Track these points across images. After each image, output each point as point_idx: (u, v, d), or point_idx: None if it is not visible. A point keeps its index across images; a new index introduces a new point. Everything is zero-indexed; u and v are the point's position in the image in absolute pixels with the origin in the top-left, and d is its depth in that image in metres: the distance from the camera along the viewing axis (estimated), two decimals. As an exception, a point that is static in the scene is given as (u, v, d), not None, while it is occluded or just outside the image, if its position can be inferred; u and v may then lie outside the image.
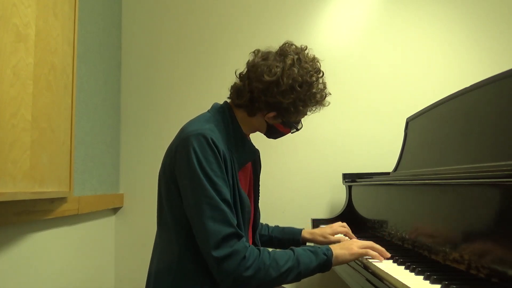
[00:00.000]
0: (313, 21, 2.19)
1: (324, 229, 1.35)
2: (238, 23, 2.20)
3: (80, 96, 1.59)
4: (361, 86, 2.16)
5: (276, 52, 1.08)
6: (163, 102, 2.16)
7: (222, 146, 0.98)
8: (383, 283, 0.89)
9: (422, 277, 0.83)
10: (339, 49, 2.18)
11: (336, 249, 1.01)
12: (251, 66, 1.10)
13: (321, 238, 1.33)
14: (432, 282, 0.79)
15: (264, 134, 1.18)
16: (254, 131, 1.17)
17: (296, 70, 1.01)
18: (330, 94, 1.11)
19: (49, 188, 1.21)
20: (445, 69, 2.16)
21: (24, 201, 1.14)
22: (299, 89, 1.01)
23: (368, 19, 2.20)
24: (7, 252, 1.14)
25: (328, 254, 0.99)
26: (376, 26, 2.19)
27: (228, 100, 1.14)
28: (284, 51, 1.06)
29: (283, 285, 1.18)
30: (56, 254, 1.42)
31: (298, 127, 1.15)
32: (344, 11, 2.20)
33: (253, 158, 1.17)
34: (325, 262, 0.98)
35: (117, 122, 2.11)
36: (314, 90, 1.04)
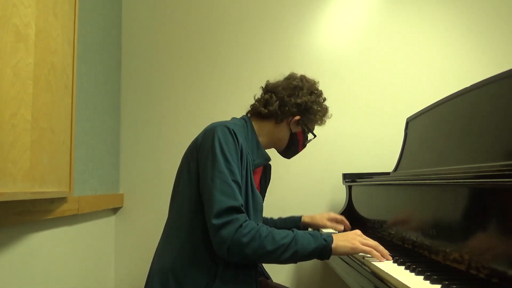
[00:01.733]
0: (313, 22, 2.19)
1: (323, 215, 1.52)
2: (238, 23, 2.20)
3: (80, 96, 1.58)
4: (361, 86, 2.16)
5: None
6: (163, 102, 2.16)
7: (242, 140, 1.08)
8: (383, 283, 0.89)
9: (422, 277, 0.83)
10: (339, 49, 2.18)
11: (338, 239, 1.01)
12: (270, 86, 1.30)
13: (319, 220, 1.49)
14: (432, 282, 0.79)
15: (283, 150, 1.31)
16: (271, 146, 1.30)
17: (307, 82, 1.29)
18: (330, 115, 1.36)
19: (49, 188, 1.21)
20: (445, 69, 2.16)
21: (24, 201, 1.14)
22: (316, 91, 1.28)
23: (368, 19, 2.20)
24: (7, 252, 1.14)
25: (328, 240, 0.99)
26: (376, 26, 2.19)
27: (248, 115, 1.30)
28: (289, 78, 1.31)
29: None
30: (56, 254, 1.42)
31: (310, 138, 1.33)
32: (344, 12, 2.20)
33: (265, 163, 1.24)
34: (324, 248, 0.98)
35: (117, 122, 2.11)
36: (322, 97, 1.31)
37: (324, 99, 1.32)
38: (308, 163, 2.11)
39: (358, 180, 1.80)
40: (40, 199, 1.22)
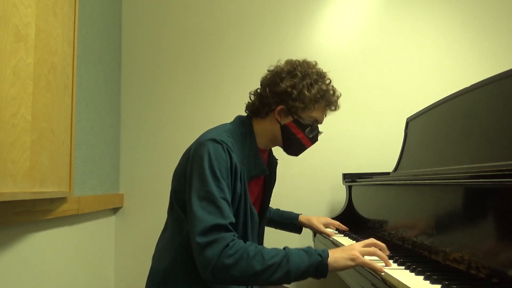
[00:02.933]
0: (313, 22, 2.19)
1: (319, 218, 1.48)
2: (239, 23, 2.20)
3: (80, 96, 1.59)
4: (361, 86, 2.16)
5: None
6: (163, 102, 2.16)
7: (235, 156, 1.01)
8: (383, 283, 0.89)
9: (422, 277, 0.83)
10: (340, 49, 2.18)
11: (334, 252, 0.92)
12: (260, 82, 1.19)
13: (315, 222, 1.46)
14: (432, 282, 0.79)
15: (284, 146, 1.18)
16: (272, 144, 1.19)
17: (294, 63, 1.14)
18: (340, 94, 1.18)
19: (49, 188, 1.21)
20: (445, 69, 2.16)
21: (24, 201, 1.14)
22: (300, 73, 1.10)
23: (368, 19, 2.20)
24: (7, 252, 1.14)
25: (324, 256, 0.90)
26: (376, 26, 2.19)
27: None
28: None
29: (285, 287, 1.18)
30: (56, 254, 1.42)
31: (313, 131, 1.15)
32: (345, 12, 2.20)
33: (262, 175, 1.16)
34: (319, 264, 0.89)
35: (117, 122, 2.11)
36: (313, 78, 1.11)
37: (317, 80, 1.12)
38: (308, 163, 2.11)
39: (358, 180, 1.80)
40: (40, 199, 1.22)
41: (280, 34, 2.18)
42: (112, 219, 2.07)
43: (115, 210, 2.10)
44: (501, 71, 1.06)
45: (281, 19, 2.19)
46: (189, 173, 1.00)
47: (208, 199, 0.93)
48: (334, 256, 0.91)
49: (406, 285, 0.77)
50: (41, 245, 1.32)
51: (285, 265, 0.88)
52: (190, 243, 0.99)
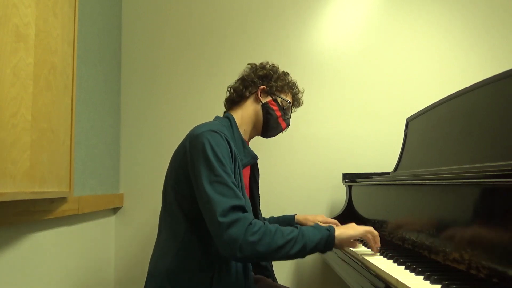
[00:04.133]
0: (313, 22, 2.19)
1: (316, 216, 1.51)
2: (239, 23, 2.20)
3: (80, 96, 1.59)
4: (361, 86, 2.16)
5: None
6: (163, 102, 2.16)
7: (232, 144, 1.07)
8: (383, 282, 0.89)
9: (422, 277, 0.83)
10: (340, 49, 2.18)
11: (338, 227, 1.05)
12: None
13: (311, 220, 1.48)
14: (432, 282, 0.79)
15: (263, 127, 1.31)
16: (254, 130, 1.31)
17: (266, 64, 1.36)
18: (303, 91, 1.41)
19: (49, 188, 1.21)
20: (445, 69, 2.16)
21: (24, 201, 1.14)
22: (274, 68, 1.35)
23: (368, 19, 2.20)
24: (7, 252, 1.14)
25: (331, 229, 1.02)
26: (376, 26, 2.19)
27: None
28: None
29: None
30: (56, 254, 1.42)
31: (287, 113, 1.33)
32: (345, 12, 2.20)
33: (253, 162, 1.24)
34: (328, 237, 0.99)
35: (117, 122, 2.11)
36: (284, 72, 1.37)
37: (286, 73, 1.37)
38: (308, 163, 2.11)
39: (358, 180, 1.80)
40: (40, 199, 1.22)
41: (280, 35, 2.18)
42: (112, 219, 2.07)
43: (115, 210, 2.10)
44: (501, 71, 1.06)
45: (282, 20, 2.19)
46: (191, 165, 1.02)
47: (220, 182, 0.96)
48: (340, 231, 1.03)
49: (406, 285, 0.78)
50: (41, 245, 1.32)
51: (301, 239, 0.96)
52: (190, 241, 1.00)
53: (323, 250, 1.01)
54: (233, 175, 1.01)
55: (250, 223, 0.93)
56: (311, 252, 0.99)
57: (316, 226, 1.02)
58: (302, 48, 2.17)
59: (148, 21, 2.20)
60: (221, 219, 0.91)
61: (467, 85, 1.22)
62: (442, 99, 1.37)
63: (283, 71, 1.37)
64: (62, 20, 1.29)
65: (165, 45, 2.19)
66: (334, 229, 1.02)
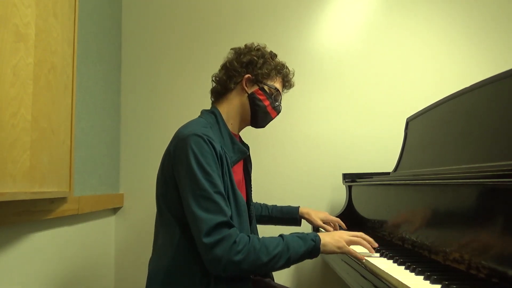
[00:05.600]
0: (314, 22, 2.19)
1: (319, 213, 1.51)
2: (239, 23, 2.20)
3: (80, 96, 1.59)
4: (362, 86, 2.16)
5: None
6: (163, 102, 2.16)
7: (217, 145, 1.04)
8: (383, 283, 0.89)
9: (422, 277, 0.83)
10: (340, 49, 2.18)
11: (325, 238, 1.04)
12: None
13: (314, 217, 1.48)
14: (432, 282, 0.79)
15: (252, 118, 1.24)
16: (242, 122, 1.24)
17: (247, 45, 1.28)
18: (294, 71, 1.30)
19: (49, 188, 1.21)
20: (445, 69, 2.16)
21: (24, 201, 1.14)
22: (258, 50, 1.24)
23: (368, 19, 2.20)
24: (7, 252, 1.14)
25: (316, 240, 1.02)
26: (376, 26, 2.19)
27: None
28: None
29: None
30: (56, 254, 1.42)
31: (276, 100, 1.24)
32: (345, 12, 2.20)
33: (244, 157, 1.22)
34: (313, 248, 1.01)
35: (117, 122, 2.11)
36: (271, 53, 1.26)
37: (274, 55, 1.26)
38: (309, 163, 2.11)
39: (358, 180, 1.80)
40: (40, 199, 1.22)
41: (281, 34, 2.18)
42: (112, 219, 2.07)
43: (115, 210, 2.10)
44: (501, 71, 1.06)
45: (282, 19, 2.19)
46: (177, 174, 1.01)
47: (204, 196, 0.96)
48: (325, 240, 1.04)
49: (406, 285, 0.78)
50: (41, 245, 1.32)
51: (286, 253, 0.98)
52: (185, 245, 1.00)
53: (308, 258, 1.03)
54: (220, 180, 1.00)
55: (235, 241, 0.93)
56: (295, 263, 1.01)
57: (302, 236, 1.03)
58: (303, 48, 2.17)
59: (148, 21, 2.20)
60: (205, 240, 0.92)
61: (467, 85, 1.22)
62: (442, 99, 1.37)
63: (270, 52, 1.26)
64: (62, 20, 1.29)
65: (165, 45, 2.19)
66: (319, 240, 1.03)
